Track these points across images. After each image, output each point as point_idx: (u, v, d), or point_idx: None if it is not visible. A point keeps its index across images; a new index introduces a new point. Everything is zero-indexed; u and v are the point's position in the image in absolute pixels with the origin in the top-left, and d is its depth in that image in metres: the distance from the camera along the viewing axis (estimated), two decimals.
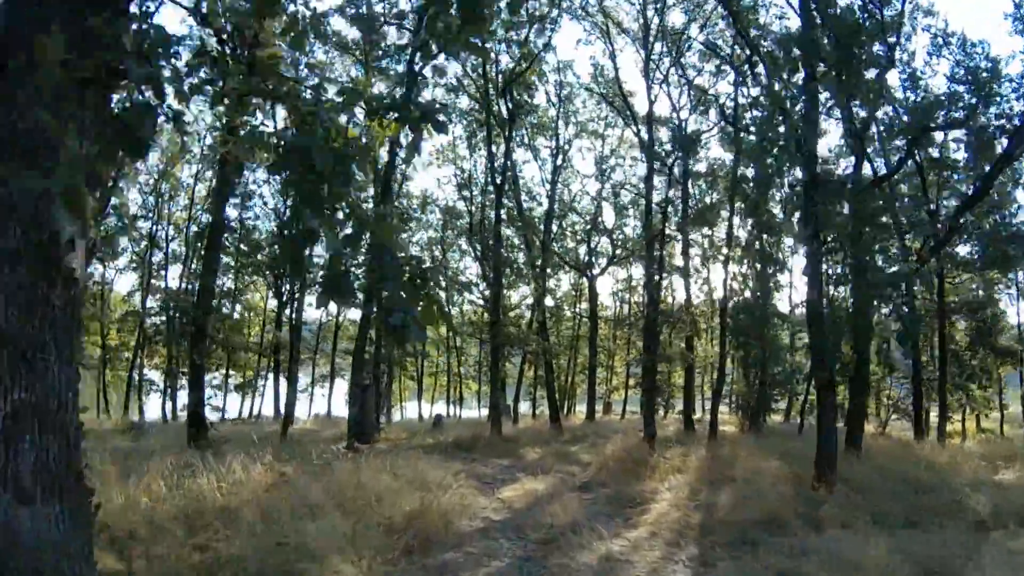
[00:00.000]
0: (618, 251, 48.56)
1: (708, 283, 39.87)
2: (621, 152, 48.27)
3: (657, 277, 33.13)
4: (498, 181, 32.55)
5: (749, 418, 36.34)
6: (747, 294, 33.88)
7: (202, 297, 24.13)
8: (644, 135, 34.55)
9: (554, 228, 43.56)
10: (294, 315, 41.89)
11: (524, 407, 50.90)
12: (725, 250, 35.16)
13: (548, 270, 39.11)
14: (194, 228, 44.37)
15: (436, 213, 49.41)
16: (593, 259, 48.75)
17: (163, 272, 47.31)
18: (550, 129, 43.91)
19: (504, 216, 34.51)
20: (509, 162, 33.59)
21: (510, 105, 32.86)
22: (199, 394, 23.29)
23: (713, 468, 20.40)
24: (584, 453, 28.54)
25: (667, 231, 36.93)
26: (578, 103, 45.14)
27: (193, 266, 42.85)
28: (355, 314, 43.09)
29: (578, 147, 47.90)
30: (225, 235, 40.53)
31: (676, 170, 36.90)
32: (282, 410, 48.31)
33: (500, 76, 34.01)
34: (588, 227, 48.04)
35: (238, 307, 51.75)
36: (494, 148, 33.89)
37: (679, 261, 39.84)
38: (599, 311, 51.36)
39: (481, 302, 49.65)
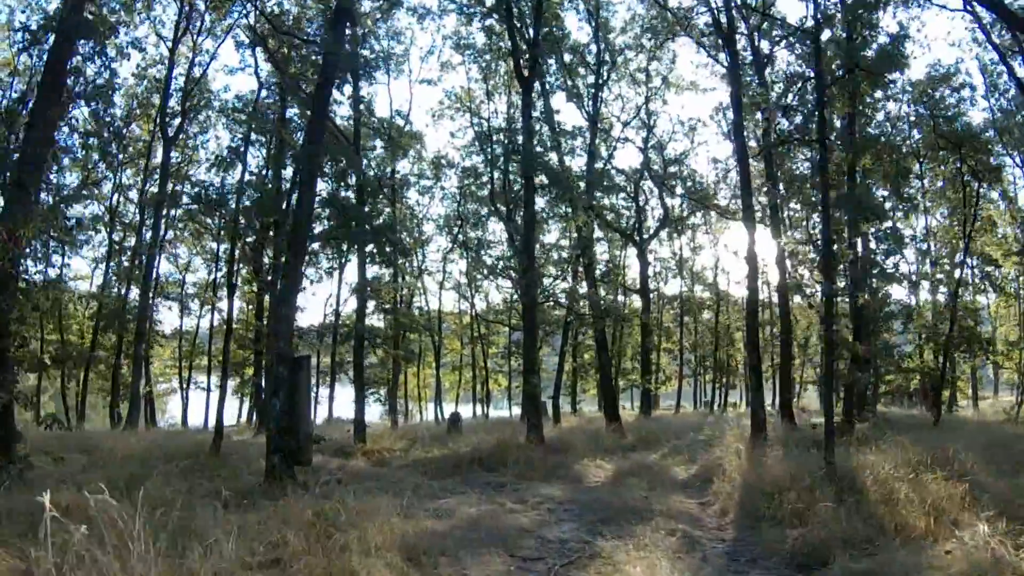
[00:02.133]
0: (674, 207, 36.36)
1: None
2: (670, 93, 36.06)
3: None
4: (525, 73, 20.58)
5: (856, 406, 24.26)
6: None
7: (9, 211, 12.07)
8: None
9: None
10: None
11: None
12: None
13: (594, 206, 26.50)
14: (152, 189, 32.21)
15: (452, 179, 37.14)
16: (641, 222, 36.44)
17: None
18: (585, 65, 31.83)
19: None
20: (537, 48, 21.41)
21: None
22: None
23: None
24: (677, 465, 17.39)
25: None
26: (616, 34, 33.04)
27: (146, 234, 30.70)
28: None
29: (617, 93, 35.10)
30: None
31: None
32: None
33: None
34: (635, 181, 35.68)
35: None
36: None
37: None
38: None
39: (509, 285, 38.16)
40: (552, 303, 22.61)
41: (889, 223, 24.62)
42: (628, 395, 45.16)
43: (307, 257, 32.10)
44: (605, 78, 32.20)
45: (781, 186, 27.83)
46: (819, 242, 29.24)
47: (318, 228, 18.68)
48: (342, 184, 18.63)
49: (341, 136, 20.88)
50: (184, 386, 39.23)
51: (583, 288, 27.30)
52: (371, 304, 32.82)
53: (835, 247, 26.07)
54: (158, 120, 28.64)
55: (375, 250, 17.25)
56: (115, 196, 34.43)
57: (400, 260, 19.99)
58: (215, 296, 36.60)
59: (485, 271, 38.53)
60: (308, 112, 15.00)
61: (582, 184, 26.38)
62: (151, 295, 36.17)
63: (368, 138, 29.16)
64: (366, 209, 18.43)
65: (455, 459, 16.31)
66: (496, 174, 31.90)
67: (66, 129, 32.16)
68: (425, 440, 20.36)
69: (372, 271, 29.05)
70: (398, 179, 34.19)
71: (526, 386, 19.82)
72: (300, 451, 11.55)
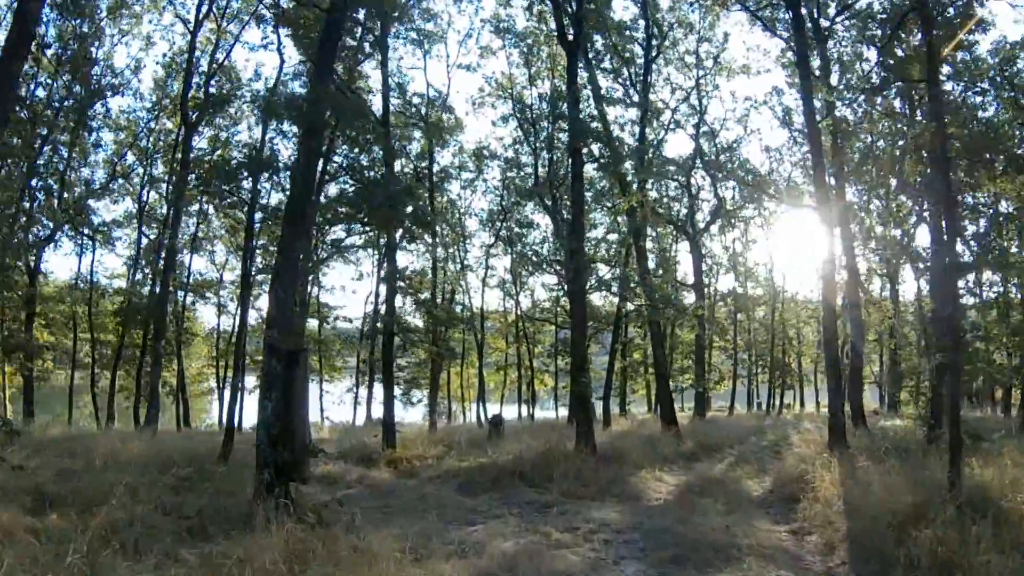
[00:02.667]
0: (726, 199, 33.41)
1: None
2: (721, 78, 33.33)
3: None
4: (569, 37, 18.07)
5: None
6: None
7: None
8: None
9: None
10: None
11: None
12: None
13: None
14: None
15: (495, 171, 34.58)
16: (694, 213, 33.73)
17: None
18: (633, 41, 29.10)
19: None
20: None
21: None
22: None
23: None
24: (748, 478, 14.72)
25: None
26: (664, 12, 30.35)
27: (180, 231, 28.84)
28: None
29: (666, 76, 32.38)
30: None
31: None
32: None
33: None
34: (688, 169, 32.78)
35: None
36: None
37: None
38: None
39: (555, 282, 35.87)
40: (603, 291, 19.80)
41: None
42: (678, 396, 42.30)
43: (343, 252, 30.05)
44: (654, 55, 29.47)
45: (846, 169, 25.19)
46: (893, 225, 26.58)
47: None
48: (362, 154, 15.96)
49: (370, 112, 18.46)
50: (221, 386, 37.35)
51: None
52: (409, 301, 30.57)
53: (894, 230, 23.40)
54: (180, 105, 26.56)
55: (391, 217, 14.28)
56: (145, 191, 32.65)
57: (423, 232, 16.98)
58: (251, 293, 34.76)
59: (530, 267, 36.12)
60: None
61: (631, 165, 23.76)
62: (184, 293, 34.49)
63: (405, 127, 27.03)
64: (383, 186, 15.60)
65: (494, 470, 13.87)
66: (540, 162, 29.52)
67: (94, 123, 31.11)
68: (462, 446, 17.96)
69: (404, 261, 26.92)
70: (437, 171, 32.06)
71: (575, 386, 17.19)
72: (295, 465, 9.19)
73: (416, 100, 28.01)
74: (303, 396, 9.68)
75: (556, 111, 22.62)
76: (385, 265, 22.52)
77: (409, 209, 13.01)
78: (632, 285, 18.79)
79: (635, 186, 21.28)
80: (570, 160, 17.92)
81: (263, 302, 34.54)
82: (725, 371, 43.82)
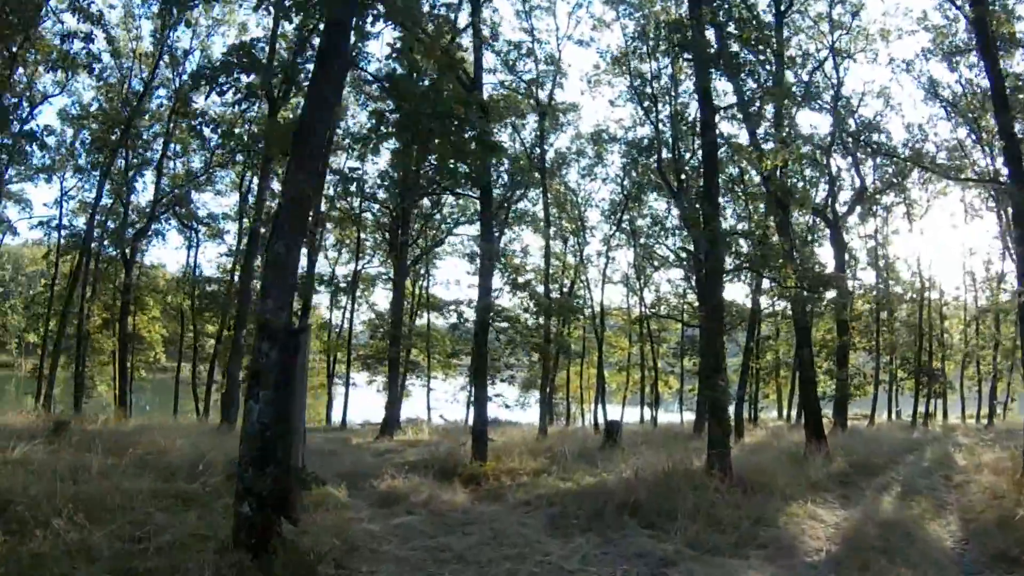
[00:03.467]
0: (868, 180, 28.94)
1: None
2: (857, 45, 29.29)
3: None
4: None
5: None
6: None
7: None
8: None
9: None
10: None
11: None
12: None
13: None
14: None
15: (615, 156, 31.46)
16: (835, 196, 29.40)
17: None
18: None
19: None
20: None
21: None
22: None
23: None
24: (927, 517, 10.98)
25: None
26: None
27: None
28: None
29: (796, 42, 28.31)
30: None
31: None
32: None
33: None
34: (827, 148, 28.24)
35: None
36: None
37: None
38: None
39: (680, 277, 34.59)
40: (744, 271, 15.68)
41: None
42: None
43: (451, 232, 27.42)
44: (783, 8, 25.51)
45: None
46: None
47: None
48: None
49: (461, 73, 15.27)
50: (329, 381, 35.80)
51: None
52: (518, 296, 27.70)
53: None
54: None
55: (439, 132, 10.06)
56: (246, 180, 31.06)
57: (489, 155, 12.84)
58: (357, 287, 32.99)
59: (656, 263, 33.03)
60: None
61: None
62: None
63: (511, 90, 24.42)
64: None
65: (599, 498, 10.57)
66: (662, 140, 26.58)
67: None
68: (567, 458, 14.76)
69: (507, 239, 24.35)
70: (553, 157, 29.45)
71: (707, 391, 13.36)
72: (281, 495, 6.15)
73: (515, 58, 25.39)
74: (301, 395, 6.66)
75: (677, 37, 18.77)
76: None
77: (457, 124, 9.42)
78: (777, 264, 14.62)
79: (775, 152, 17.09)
80: (698, 108, 14.30)
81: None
82: (868, 374, 38.76)
